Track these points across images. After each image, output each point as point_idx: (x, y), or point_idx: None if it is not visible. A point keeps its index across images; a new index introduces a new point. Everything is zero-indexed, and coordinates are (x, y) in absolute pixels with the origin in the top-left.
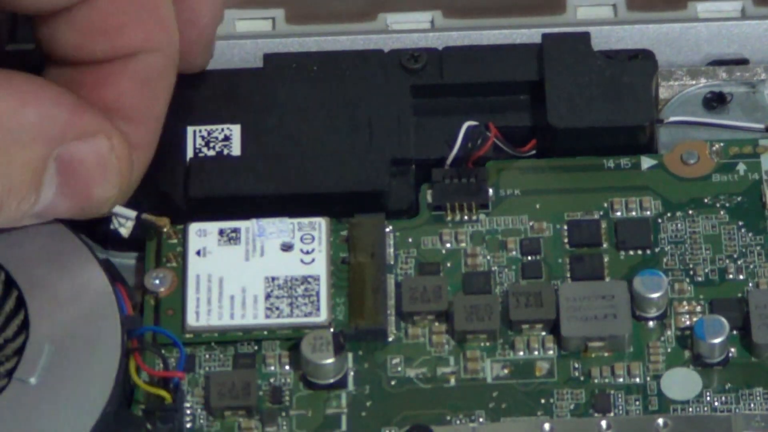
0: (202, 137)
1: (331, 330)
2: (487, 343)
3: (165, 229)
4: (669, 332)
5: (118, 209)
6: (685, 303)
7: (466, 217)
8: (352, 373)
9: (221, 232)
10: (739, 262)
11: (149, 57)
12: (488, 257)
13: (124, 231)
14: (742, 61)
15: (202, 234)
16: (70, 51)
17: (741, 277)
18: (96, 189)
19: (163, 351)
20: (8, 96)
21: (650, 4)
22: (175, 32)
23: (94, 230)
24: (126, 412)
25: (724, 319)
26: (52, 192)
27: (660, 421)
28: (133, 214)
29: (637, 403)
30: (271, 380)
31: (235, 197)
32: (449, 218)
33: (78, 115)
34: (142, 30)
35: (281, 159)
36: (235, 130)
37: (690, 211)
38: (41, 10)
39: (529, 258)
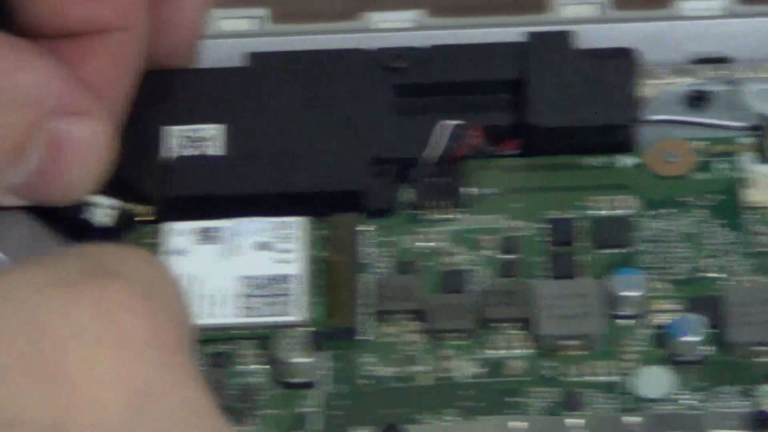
0: (187, 137)
1: (307, 329)
2: (462, 342)
3: (147, 218)
4: (644, 330)
5: (98, 198)
6: (661, 301)
7: (445, 216)
8: (326, 372)
9: (199, 232)
10: (716, 261)
11: (123, 36)
12: (466, 256)
13: (105, 220)
14: (725, 60)
15: (180, 233)
16: (46, 15)
17: (718, 275)
18: (77, 172)
19: None
20: (6, 56)
21: (634, 2)
22: (147, 13)
23: (70, 220)
24: None
25: (699, 318)
26: (35, 165)
27: (633, 419)
28: (113, 202)
29: (611, 401)
30: (245, 379)
31: (213, 196)
32: (428, 217)
33: (75, 91)
34: (117, 1)
35: (262, 158)
36: (219, 130)
37: (669, 210)
38: None
39: (507, 257)
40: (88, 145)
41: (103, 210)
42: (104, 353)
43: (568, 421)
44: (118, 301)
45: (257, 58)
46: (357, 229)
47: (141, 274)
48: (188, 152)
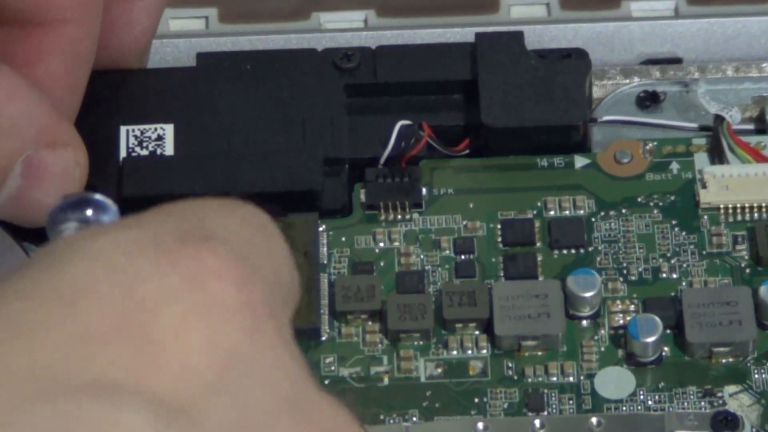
0: (135, 137)
1: None
2: (421, 343)
3: None
4: (602, 331)
5: None
6: (618, 302)
7: (399, 217)
8: None
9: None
10: (672, 261)
11: (75, 30)
12: (421, 256)
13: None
14: (676, 60)
15: None
16: None
17: (674, 276)
18: (51, 199)
19: None
20: (23, 93)
21: (584, 3)
22: (100, 8)
23: (37, 231)
24: None
25: (657, 318)
26: (9, 194)
27: (593, 420)
28: None
29: (571, 402)
30: None
31: (168, 197)
32: (382, 217)
33: (55, 122)
34: None
35: (214, 158)
36: (168, 130)
37: (623, 210)
38: None
39: (463, 257)
40: (63, 174)
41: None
42: (194, 320)
43: (529, 421)
44: (210, 268)
45: (203, 58)
46: (318, 229)
47: (238, 236)
48: (137, 152)
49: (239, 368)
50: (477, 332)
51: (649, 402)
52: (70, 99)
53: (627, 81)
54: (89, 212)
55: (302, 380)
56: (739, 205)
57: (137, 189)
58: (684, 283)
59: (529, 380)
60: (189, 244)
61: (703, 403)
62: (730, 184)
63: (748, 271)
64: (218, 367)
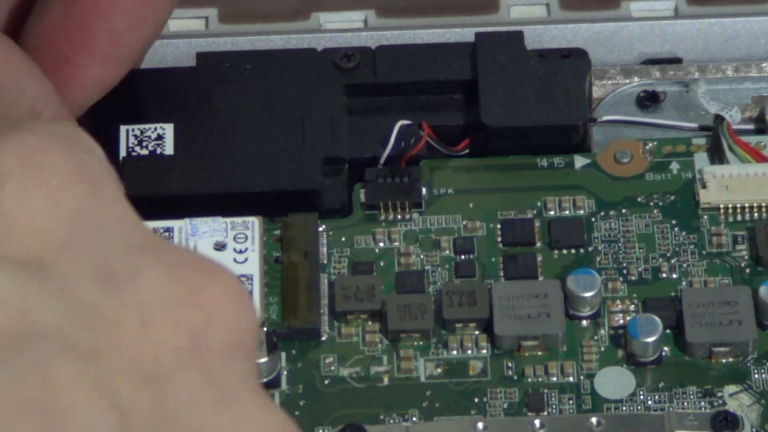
0: (135, 136)
1: (264, 329)
2: (421, 342)
3: None
4: (602, 331)
5: None
6: (618, 302)
7: (399, 217)
8: (285, 373)
9: (154, 232)
10: (672, 261)
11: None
12: (421, 256)
13: None
14: (675, 60)
15: None
16: None
17: (674, 276)
18: None
19: None
20: (18, 60)
21: (583, 3)
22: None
23: None
24: None
25: (657, 318)
26: None
27: (593, 419)
28: None
29: (571, 402)
30: None
31: (168, 196)
32: (382, 217)
33: (64, 111)
34: None
35: (214, 158)
36: (168, 129)
37: (623, 210)
38: None
39: (463, 257)
40: None
41: None
42: (32, 189)
43: (529, 421)
44: (35, 144)
45: (203, 58)
46: (318, 229)
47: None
48: (137, 152)
49: (87, 223)
50: (477, 332)
51: (649, 402)
52: (121, 66)
53: (627, 81)
54: None
55: (144, 227)
56: (739, 205)
57: (137, 188)
58: (684, 283)
59: (529, 380)
60: (9, 129)
61: (703, 403)
62: (730, 184)
63: (748, 271)
64: (65, 225)
